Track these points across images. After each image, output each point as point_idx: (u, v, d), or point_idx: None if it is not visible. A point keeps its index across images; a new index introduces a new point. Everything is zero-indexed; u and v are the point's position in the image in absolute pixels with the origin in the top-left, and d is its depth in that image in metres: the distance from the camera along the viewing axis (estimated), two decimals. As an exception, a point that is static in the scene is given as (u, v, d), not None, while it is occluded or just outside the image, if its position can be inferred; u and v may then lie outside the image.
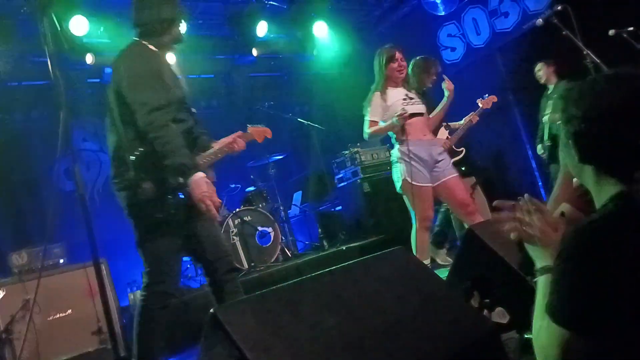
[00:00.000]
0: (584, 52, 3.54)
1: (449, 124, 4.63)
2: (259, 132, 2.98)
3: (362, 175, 5.89)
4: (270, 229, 5.19)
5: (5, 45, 4.71)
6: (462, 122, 4.55)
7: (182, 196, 2.34)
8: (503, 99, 5.72)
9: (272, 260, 5.04)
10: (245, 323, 1.56)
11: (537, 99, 5.14)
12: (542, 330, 1.14)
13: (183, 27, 2.68)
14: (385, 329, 1.71)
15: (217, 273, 2.58)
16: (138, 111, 2.30)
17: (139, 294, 4.24)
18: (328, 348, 1.60)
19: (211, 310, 1.54)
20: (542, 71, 5.01)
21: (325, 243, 5.61)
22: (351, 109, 7.20)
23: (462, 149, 4.71)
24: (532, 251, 1.34)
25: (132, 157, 2.36)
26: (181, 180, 2.27)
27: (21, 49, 4.83)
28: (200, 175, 2.31)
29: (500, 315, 1.82)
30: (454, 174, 3.72)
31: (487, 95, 4.54)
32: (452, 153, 4.47)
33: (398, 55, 3.81)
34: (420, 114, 3.75)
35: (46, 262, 3.76)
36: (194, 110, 2.66)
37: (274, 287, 1.78)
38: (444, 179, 3.67)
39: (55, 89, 2.41)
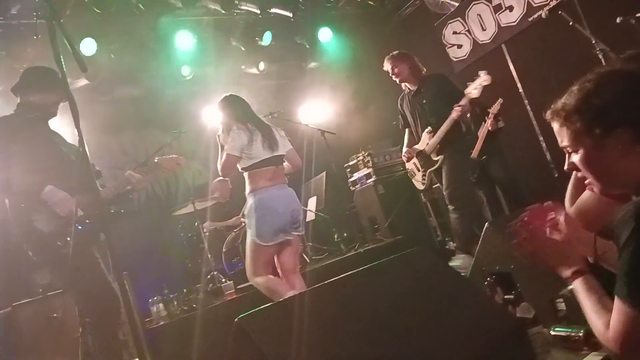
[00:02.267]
0: (593, 42, 3.51)
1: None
2: (169, 162, 3.05)
3: (375, 177, 5.89)
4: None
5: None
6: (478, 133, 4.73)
7: None
8: (513, 93, 5.69)
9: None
10: (270, 330, 1.58)
11: (549, 91, 5.10)
12: (615, 323, 1.10)
13: None
14: (410, 329, 1.71)
15: None
16: None
17: (161, 305, 4.30)
18: (353, 351, 1.61)
19: (236, 319, 1.56)
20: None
21: (342, 247, 5.60)
22: (361, 112, 7.25)
23: (484, 157, 4.77)
24: (551, 265, 1.33)
25: None
26: None
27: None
28: None
29: (525, 310, 1.81)
30: None
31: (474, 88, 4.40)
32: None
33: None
34: None
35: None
36: None
37: (295, 294, 1.79)
38: None
39: (72, 110, 2.43)
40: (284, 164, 3.62)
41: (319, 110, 6.96)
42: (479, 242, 2.40)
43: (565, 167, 1.31)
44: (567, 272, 1.27)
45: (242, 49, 6.19)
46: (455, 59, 6.37)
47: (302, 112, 6.87)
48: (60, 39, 2.20)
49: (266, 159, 3.40)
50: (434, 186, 6.27)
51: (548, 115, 1.29)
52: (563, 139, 1.25)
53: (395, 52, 4.55)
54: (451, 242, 5.77)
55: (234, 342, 1.56)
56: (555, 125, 1.27)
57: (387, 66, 4.50)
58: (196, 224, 5.19)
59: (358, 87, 6.97)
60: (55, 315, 3.50)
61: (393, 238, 5.48)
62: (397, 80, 4.55)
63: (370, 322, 1.74)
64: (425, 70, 4.58)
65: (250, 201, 3.43)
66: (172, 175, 6.92)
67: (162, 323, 4.15)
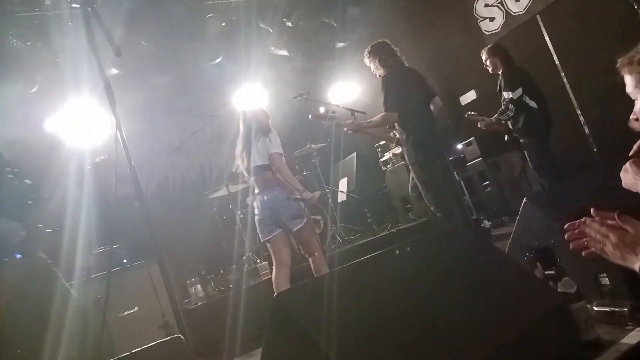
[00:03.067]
0: (635, 7, 3.35)
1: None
2: None
3: (408, 156, 5.81)
4: (319, 217, 5.23)
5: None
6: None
7: None
8: (548, 66, 5.50)
9: (324, 247, 5.08)
10: (308, 306, 1.59)
11: (587, 62, 4.91)
12: None
13: None
14: (450, 307, 1.69)
15: None
16: None
17: (199, 286, 4.41)
18: (389, 328, 1.61)
19: (275, 295, 1.58)
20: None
21: (374, 227, 5.59)
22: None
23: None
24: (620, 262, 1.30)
25: None
26: None
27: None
28: None
29: (567, 286, 1.76)
30: None
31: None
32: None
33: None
34: None
35: (111, 262, 3.95)
36: None
37: (332, 270, 1.80)
38: None
39: (108, 97, 2.48)
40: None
41: (348, 90, 6.90)
42: (517, 217, 2.36)
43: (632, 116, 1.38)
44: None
45: (270, 30, 6.17)
46: (487, 33, 6.19)
47: (331, 92, 6.83)
48: (93, 26, 2.24)
49: None
50: (468, 163, 6.18)
51: (619, 64, 1.36)
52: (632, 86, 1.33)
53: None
54: (486, 221, 5.69)
55: (273, 317, 1.58)
56: (627, 75, 1.35)
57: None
58: (230, 206, 5.27)
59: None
60: (99, 296, 3.63)
61: (426, 218, 5.43)
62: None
63: (407, 300, 1.73)
64: None
65: None
66: (206, 160, 7.03)
67: (200, 303, 4.26)
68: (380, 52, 4.16)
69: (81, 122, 5.34)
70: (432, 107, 4.22)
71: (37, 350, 2.73)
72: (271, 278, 4.46)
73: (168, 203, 6.40)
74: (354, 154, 6.61)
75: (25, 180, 3.54)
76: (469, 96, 6.72)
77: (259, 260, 4.88)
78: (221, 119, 6.14)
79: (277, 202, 3.64)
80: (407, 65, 4.26)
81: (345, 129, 4.42)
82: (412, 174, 4.24)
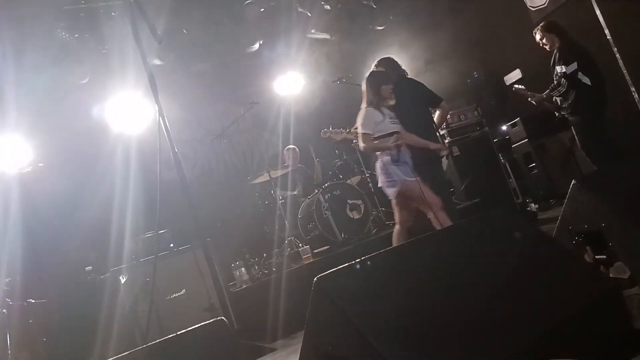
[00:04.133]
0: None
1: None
2: None
3: (450, 139, 5.70)
4: (360, 201, 5.22)
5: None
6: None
7: None
8: (600, 42, 5.22)
9: (365, 231, 5.07)
10: (348, 288, 1.60)
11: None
12: None
13: None
14: (494, 292, 1.65)
15: None
16: None
17: (243, 270, 4.51)
18: (432, 311, 1.59)
19: (315, 278, 1.59)
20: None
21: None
22: (433, 71, 6.99)
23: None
24: None
25: None
26: None
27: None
28: None
29: (620, 271, 1.70)
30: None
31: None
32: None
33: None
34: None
35: (159, 246, 4.09)
36: None
37: (373, 254, 1.79)
38: None
39: (151, 86, 2.54)
40: None
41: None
42: (565, 200, 2.27)
43: None
44: None
45: (309, 14, 6.13)
46: (533, 9, 5.94)
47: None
48: (136, 16, 2.30)
49: None
50: (513, 145, 6.01)
51: None
52: None
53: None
54: (532, 204, 5.52)
55: (314, 300, 1.60)
56: None
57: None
58: (272, 191, 5.34)
59: (427, 46, 6.71)
60: (148, 279, 3.77)
61: (470, 201, 5.33)
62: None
63: (449, 284, 1.71)
64: None
65: None
66: (248, 146, 7.13)
67: (244, 286, 4.36)
68: (387, 67, 4.34)
69: (127, 110, 5.50)
70: (438, 111, 4.43)
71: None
72: (312, 262, 4.53)
73: (212, 189, 6.55)
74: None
75: None
76: (514, 75, 6.49)
77: (300, 245, 4.93)
78: (261, 106, 6.19)
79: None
80: (408, 77, 4.48)
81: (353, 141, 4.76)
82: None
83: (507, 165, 5.92)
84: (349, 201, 5.17)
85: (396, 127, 3.67)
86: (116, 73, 5.07)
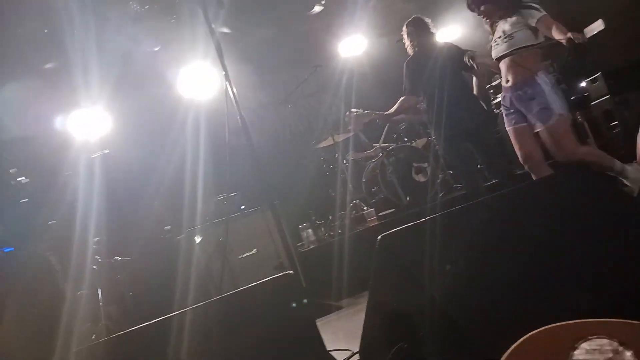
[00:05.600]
0: None
1: None
2: None
3: (521, 98, 5.42)
4: (425, 164, 5.15)
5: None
6: None
7: None
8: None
9: (431, 195, 5.01)
10: (412, 247, 1.61)
11: None
12: None
13: None
14: (568, 252, 1.60)
15: None
16: None
17: (310, 231, 4.63)
18: (500, 270, 1.57)
19: (379, 236, 1.61)
20: None
21: (485, 173, 5.37)
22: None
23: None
24: None
25: None
26: None
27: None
28: None
29: None
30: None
31: None
32: None
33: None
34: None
35: (230, 208, 4.28)
36: None
37: (439, 213, 1.78)
38: None
39: (218, 53, 2.62)
40: None
41: (458, 28, 6.49)
42: None
43: None
44: None
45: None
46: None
47: (440, 33, 6.47)
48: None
49: None
50: (592, 102, 5.64)
51: None
52: None
53: None
54: (615, 164, 5.18)
55: (378, 258, 1.63)
56: None
57: None
58: (336, 155, 5.38)
59: None
60: (221, 239, 3.97)
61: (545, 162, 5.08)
62: None
63: (520, 244, 1.66)
64: None
65: None
66: (312, 111, 7.18)
67: (311, 247, 4.49)
68: (411, 33, 4.20)
69: (197, 78, 5.69)
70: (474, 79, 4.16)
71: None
72: (377, 224, 4.57)
73: (278, 154, 6.70)
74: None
75: None
76: (595, 27, 5.98)
77: (365, 208, 4.97)
78: (325, 69, 6.17)
79: None
80: (438, 42, 4.24)
81: (377, 120, 4.70)
82: None
83: (586, 125, 5.57)
84: (414, 164, 5.12)
85: None
86: (186, 42, 5.23)
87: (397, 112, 4.37)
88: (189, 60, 5.57)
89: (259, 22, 5.93)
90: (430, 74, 4.00)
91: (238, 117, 2.85)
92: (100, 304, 4.20)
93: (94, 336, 4.13)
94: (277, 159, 6.47)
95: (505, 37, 3.24)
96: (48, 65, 5.22)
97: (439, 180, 5.18)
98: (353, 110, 4.87)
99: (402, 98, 4.23)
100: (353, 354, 1.93)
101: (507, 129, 3.50)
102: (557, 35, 3.07)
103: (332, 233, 4.83)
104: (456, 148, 4.09)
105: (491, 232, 1.66)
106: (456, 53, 3.99)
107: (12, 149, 4.76)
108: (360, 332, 2.58)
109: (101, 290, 4.23)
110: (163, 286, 4.21)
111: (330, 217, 5.17)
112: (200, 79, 5.68)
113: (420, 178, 5.09)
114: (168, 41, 5.44)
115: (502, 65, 3.33)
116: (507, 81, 3.31)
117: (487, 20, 3.41)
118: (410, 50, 4.25)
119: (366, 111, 4.78)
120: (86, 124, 5.35)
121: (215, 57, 2.83)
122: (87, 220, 4.13)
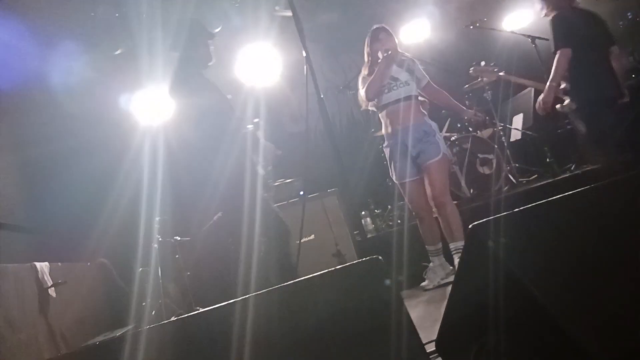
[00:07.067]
0: None
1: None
2: None
3: (598, 88, 5.09)
4: (491, 156, 4.93)
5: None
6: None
7: None
8: None
9: (497, 187, 4.80)
10: (506, 239, 1.49)
11: None
12: None
13: None
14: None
15: None
16: None
17: (369, 220, 4.55)
18: (599, 266, 1.44)
19: (470, 226, 1.51)
20: None
21: (555, 167, 5.09)
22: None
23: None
24: None
25: None
26: None
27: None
28: None
29: None
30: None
31: None
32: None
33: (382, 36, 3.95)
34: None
35: (288, 194, 4.25)
36: None
37: (532, 204, 1.65)
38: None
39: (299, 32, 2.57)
40: None
41: (529, 14, 6.14)
42: None
43: None
44: None
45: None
46: None
47: (508, 19, 6.15)
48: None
49: None
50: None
51: None
52: None
53: None
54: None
55: (468, 247, 1.53)
56: None
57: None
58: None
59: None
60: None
61: (621, 157, 4.76)
62: None
63: (599, 241, 1.52)
64: None
65: None
66: (371, 98, 7.05)
67: (369, 236, 4.41)
68: None
69: (256, 63, 5.67)
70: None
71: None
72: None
73: (337, 141, 6.61)
74: (531, 88, 6.00)
75: None
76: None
77: (426, 198, 4.82)
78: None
79: None
80: (581, 7, 3.85)
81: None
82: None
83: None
84: (479, 155, 4.91)
85: None
86: (249, 26, 5.23)
87: (561, 73, 3.76)
88: (250, 41, 5.54)
89: (325, 5, 5.85)
90: (584, 33, 3.70)
91: (295, 107, 2.79)
92: (160, 281, 4.31)
93: (153, 312, 4.24)
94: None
95: None
96: (118, 52, 5.35)
97: (504, 173, 4.95)
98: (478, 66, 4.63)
99: (560, 52, 3.66)
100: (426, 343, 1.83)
101: None
102: None
103: (390, 223, 4.72)
104: (597, 116, 3.70)
105: (612, 223, 1.51)
106: (606, 26, 3.83)
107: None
108: (426, 324, 2.50)
109: (161, 269, 4.33)
110: (222, 267, 4.25)
111: (389, 207, 5.06)
112: (259, 63, 5.65)
113: (485, 170, 4.88)
114: (228, 24, 5.45)
115: None
116: None
117: None
118: (549, 12, 3.86)
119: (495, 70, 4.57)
120: (150, 106, 5.45)
121: (276, 38, 2.81)
122: (152, 199, 4.23)
